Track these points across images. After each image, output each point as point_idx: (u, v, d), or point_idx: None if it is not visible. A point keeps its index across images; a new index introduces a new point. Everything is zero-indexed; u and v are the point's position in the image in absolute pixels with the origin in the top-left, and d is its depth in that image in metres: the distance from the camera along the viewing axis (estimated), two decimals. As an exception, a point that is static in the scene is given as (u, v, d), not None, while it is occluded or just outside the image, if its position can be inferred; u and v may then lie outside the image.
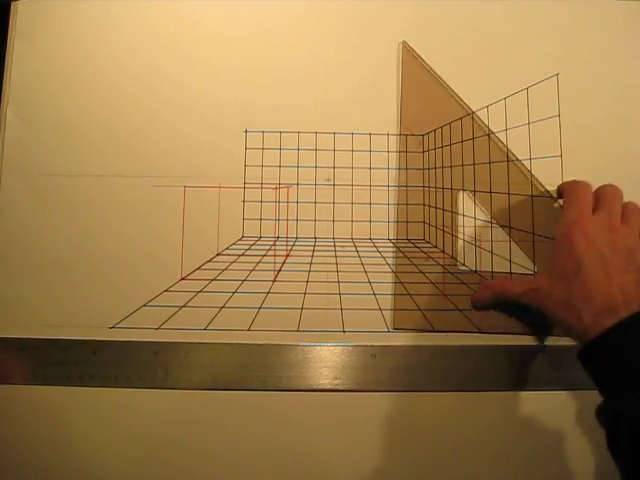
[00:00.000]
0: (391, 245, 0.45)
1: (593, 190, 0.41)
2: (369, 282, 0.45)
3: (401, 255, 0.45)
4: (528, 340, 0.44)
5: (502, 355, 0.43)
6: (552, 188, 0.46)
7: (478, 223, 0.46)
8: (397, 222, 0.46)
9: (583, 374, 0.36)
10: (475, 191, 0.46)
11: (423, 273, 0.45)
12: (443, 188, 0.46)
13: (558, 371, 0.43)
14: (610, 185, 0.41)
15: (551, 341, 0.44)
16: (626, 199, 0.46)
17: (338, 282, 0.45)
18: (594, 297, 0.36)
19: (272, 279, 0.44)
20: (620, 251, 0.37)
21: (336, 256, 0.45)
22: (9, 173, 0.45)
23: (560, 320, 0.37)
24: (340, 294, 0.44)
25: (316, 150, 0.46)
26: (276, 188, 0.46)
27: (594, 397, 0.36)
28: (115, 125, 0.45)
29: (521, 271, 0.45)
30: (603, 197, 0.40)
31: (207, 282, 0.44)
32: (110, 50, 0.47)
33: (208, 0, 0.48)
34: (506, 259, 0.45)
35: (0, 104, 0.46)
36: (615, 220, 0.39)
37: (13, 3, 0.47)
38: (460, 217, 0.46)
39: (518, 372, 0.43)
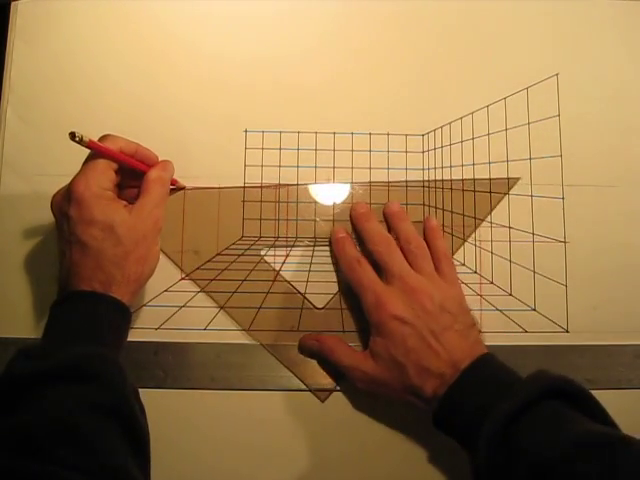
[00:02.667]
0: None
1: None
2: (369, 282, 0.45)
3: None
4: (527, 340, 0.44)
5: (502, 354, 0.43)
6: (552, 188, 0.46)
7: (478, 223, 0.46)
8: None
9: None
10: (475, 191, 0.46)
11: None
12: (443, 188, 0.46)
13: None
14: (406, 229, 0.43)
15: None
16: (626, 199, 0.46)
17: (338, 282, 0.45)
18: (428, 375, 0.37)
19: (272, 279, 0.44)
20: (432, 313, 0.38)
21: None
22: (9, 173, 0.45)
23: (403, 399, 0.38)
24: (340, 294, 0.44)
25: (316, 150, 0.46)
26: (276, 188, 0.46)
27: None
28: (114, 125, 0.45)
29: (521, 271, 0.45)
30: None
31: (207, 282, 0.44)
32: (110, 49, 0.47)
33: None
34: (506, 259, 0.45)
35: (0, 104, 0.46)
36: (414, 279, 0.39)
37: (13, 3, 0.47)
38: (460, 217, 0.46)
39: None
